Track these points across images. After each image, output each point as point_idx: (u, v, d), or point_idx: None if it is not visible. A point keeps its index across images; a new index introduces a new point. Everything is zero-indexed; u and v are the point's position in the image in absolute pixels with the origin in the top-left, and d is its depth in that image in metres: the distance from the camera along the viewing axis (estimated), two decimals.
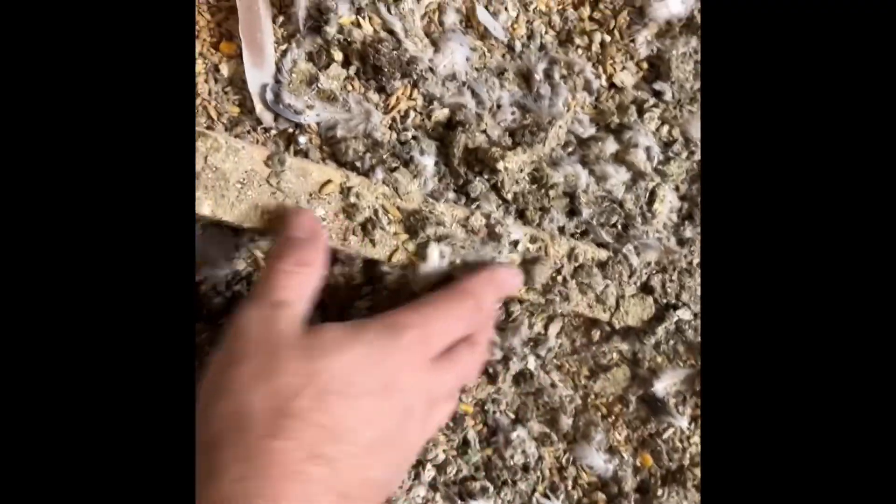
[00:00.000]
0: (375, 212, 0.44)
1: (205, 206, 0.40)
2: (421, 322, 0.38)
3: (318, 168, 0.44)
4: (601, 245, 0.52)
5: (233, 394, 0.33)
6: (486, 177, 0.48)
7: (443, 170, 0.48)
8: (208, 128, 0.44)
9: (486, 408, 0.53)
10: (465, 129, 0.48)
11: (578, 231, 0.52)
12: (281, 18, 0.46)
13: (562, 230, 0.51)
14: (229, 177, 0.41)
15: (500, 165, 0.47)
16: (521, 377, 0.53)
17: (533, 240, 0.49)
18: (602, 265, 0.51)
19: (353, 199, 0.43)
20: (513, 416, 0.54)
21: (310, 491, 0.31)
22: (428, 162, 0.46)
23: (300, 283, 0.37)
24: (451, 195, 0.48)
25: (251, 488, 0.30)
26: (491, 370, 0.51)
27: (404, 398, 0.36)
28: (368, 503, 0.34)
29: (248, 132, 0.45)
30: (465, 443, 0.52)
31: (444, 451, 0.51)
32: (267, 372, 0.33)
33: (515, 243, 0.48)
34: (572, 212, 0.51)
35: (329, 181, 0.43)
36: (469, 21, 0.51)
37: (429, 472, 0.50)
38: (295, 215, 0.40)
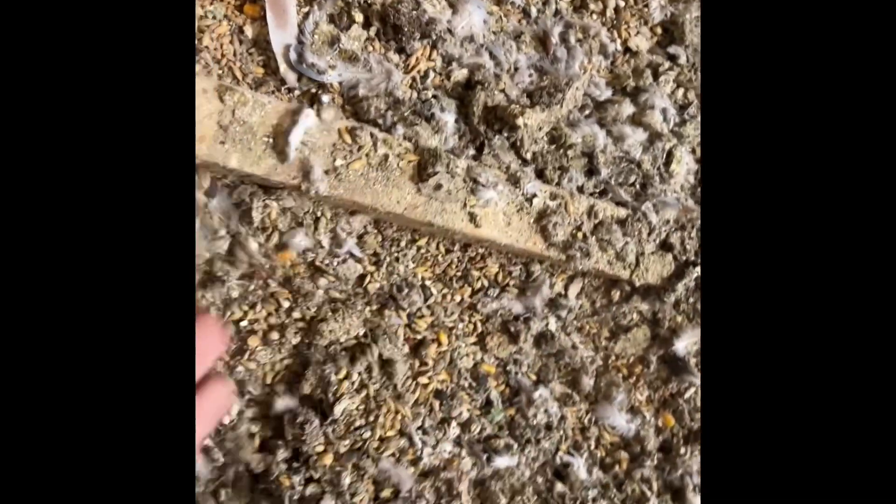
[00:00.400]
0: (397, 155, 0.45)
1: (233, 159, 0.41)
2: None
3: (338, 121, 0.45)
4: (620, 204, 0.52)
5: None
6: (505, 135, 0.49)
7: (462, 128, 0.48)
8: None
9: (507, 368, 0.53)
10: (485, 88, 0.48)
11: (597, 190, 0.52)
12: None
13: (581, 189, 0.52)
14: (256, 131, 0.42)
15: (520, 122, 0.47)
16: (542, 338, 0.54)
17: (553, 196, 0.49)
18: (621, 222, 0.51)
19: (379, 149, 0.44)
20: (534, 377, 0.54)
21: None
22: (448, 119, 0.47)
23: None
24: (471, 152, 0.48)
25: None
26: (512, 329, 0.52)
27: None
28: None
29: (273, 92, 0.46)
30: (489, 402, 0.52)
31: (468, 409, 0.51)
32: None
33: (532, 197, 0.49)
34: (591, 171, 0.52)
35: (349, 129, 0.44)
36: None
37: (454, 430, 0.50)
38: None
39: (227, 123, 0.41)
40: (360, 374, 0.47)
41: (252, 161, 0.42)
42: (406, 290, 0.49)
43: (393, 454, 0.47)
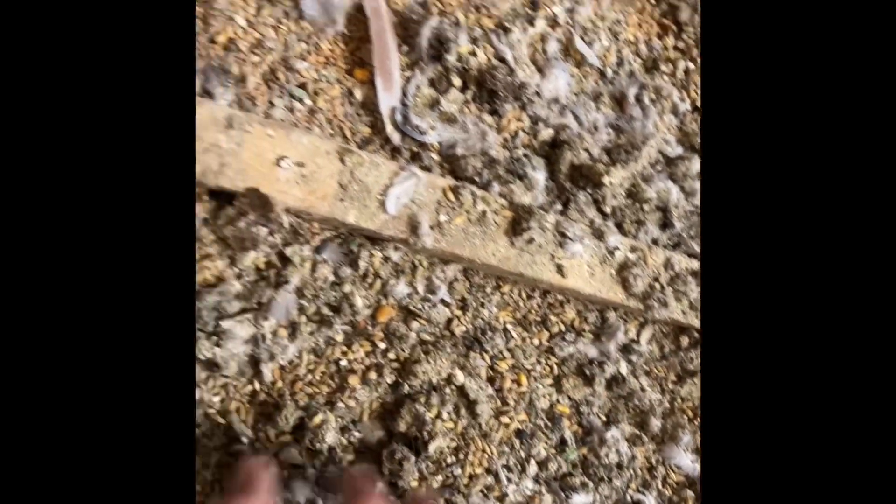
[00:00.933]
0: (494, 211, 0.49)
1: (350, 215, 0.45)
2: None
3: (441, 180, 0.48)
4: (692, 255, 0.55)
5: None
6: (588, 190, 0.52)
7: (550, 185, 0.52)
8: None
9: (581, 409, 0.56)
10: (571, 148, 0.52)
11: (671, 243, 0.56)
12: (405, 47, 0.51)
13: (655, 241, 0.55)
14: (371, 189, 0.45)
15: (606, 180, 0.51)
16: (614, 381, 0.56)
17: (633, 249, 0.53)
18: (695, 274, 0.54)
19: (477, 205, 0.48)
20: (605, 417, 0.57)
21: None
22: (539, 177, 0.51)
23: None
24: (559, 207, 0.52)
25: None
26: (587, 372, 0.55)
27: None
28: None
29: (378, 150, 0.49)
30: (563, 441, 0.55)
31: (544, 448, 0.54)
32: None
33: (614, 250, 0.52)
34: (665, 224, 0.55)
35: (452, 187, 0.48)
36: (567, 50, 0.56)
37: (533, 468, 0.53)
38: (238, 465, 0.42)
39: (347, 182, 0.44)
40: (449, 413, 0.50)
41: (367, 217, 0.45)
42: (489, 334, 0.52)
43: (481, 490, 0.50)
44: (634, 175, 0.55)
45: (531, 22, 0.54)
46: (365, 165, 0.45)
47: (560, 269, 0.50)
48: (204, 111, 0.42)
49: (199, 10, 0.46)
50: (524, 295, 0.54)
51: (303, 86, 0.48)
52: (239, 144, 0.42)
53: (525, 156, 0.52)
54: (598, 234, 0.51)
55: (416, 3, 0.50)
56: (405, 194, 0.46)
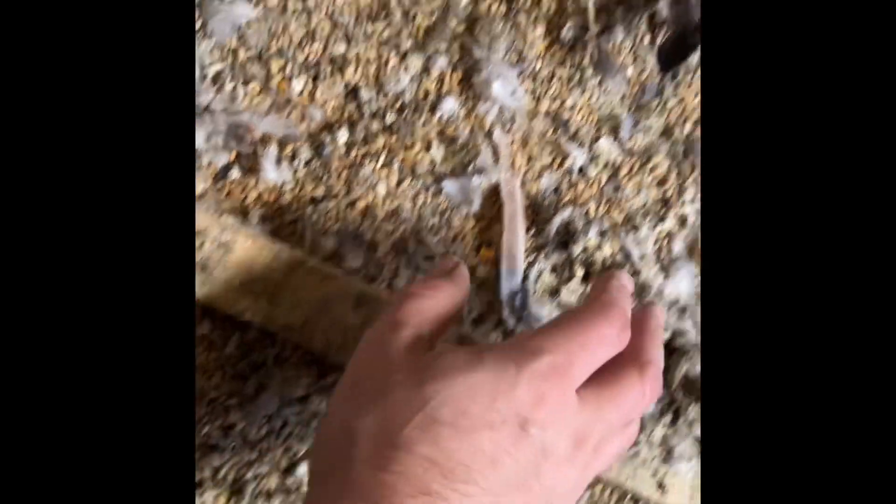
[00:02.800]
0: None
1: None
2: (559, 346, 0.32)
3: None
4: None
5: (345, 420, 0.31)
6: (699, 405, 0.50)
7: (663, 393, 0.50)
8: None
9: None
10: (688, 358, 0.50)
11: None
12: (533, 230, 0.51)
13: None
14: None
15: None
16: None
17: None
18: None
19: None
20: None
21: None
22: None
23: (423, 306, 0.35)
24: (668, 419, 0.49)
25: None
26: None
27: (539, 436, 0.30)
28: None
29: (490, 331, 0.49)
30: None
31: None
32: (377, 397, 0.31)
33: None
34: None
35: None
36: (692, 250, 0.55)
37: None
38: (440, 259, 0.42)
39: None
40: None
41: None
42: None
43: None
44: None
45: (662, 219, 0.53)
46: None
47: (661, 486, 0.48)
48: (336, 285, 0.43)
49: (343, 174, 0.48)
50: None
51: (430, 258, 0.48)
52: (364, 322, 0.42)
53: None
54: None
55: (550, 190, 0.51)
56: None
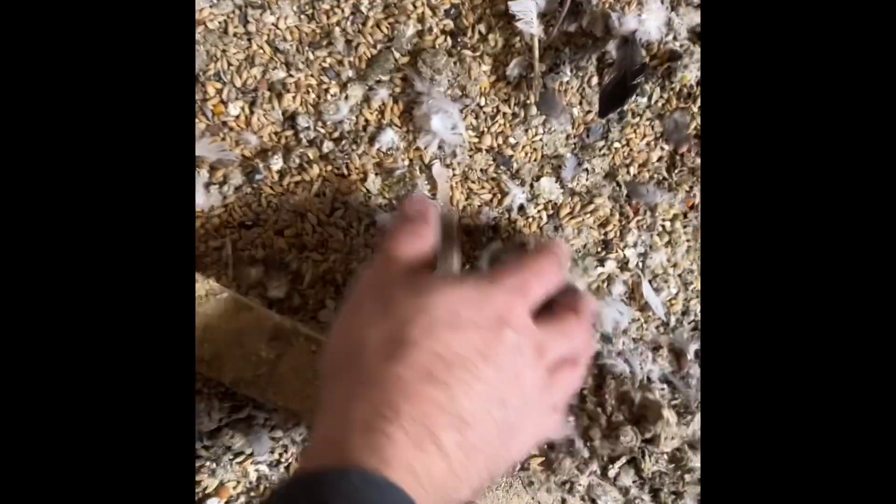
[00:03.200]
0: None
1: None
2: (517, 273, 0.39)
3: None
4: None
5: (353, 333, 0.37)
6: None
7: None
8: None
9: None
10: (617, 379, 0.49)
11: None
12: (467, 266, 0.50)
13: None
14: None
15: (665, 413, 0.48)
16: None
17: None
18: None
19: None
20: None
21: (428, 410, 0.33)
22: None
23: (410, 245, 0.40)
24: (595, 468, 0.48)
25: (373, 407, 0.33)
26: None
27: (514, 337, 0.37)
28: (487, 434, 0.35)
29: None
30: None
31: None
32: (382, 310, 0.36)
33: None
34: None
35: None
36: (633, 293, 0.54)
37: None
38: (407, 199, 0.45)
39: None
40: None
41: None
42: None
43: None
44: (683, 440, 0.51)
45: (601, 262, 0.52)
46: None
47: None
48: (251, 317, 0.41)
49: (274, 201, 0.47)
50: None
51: None
52: (279, 356, 0.41)
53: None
54: None
55: (488, 227, 0.50)
56: None
